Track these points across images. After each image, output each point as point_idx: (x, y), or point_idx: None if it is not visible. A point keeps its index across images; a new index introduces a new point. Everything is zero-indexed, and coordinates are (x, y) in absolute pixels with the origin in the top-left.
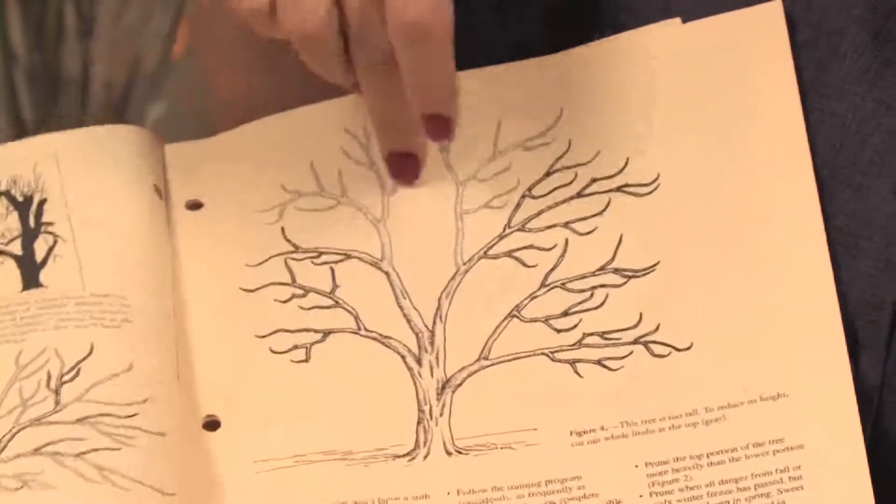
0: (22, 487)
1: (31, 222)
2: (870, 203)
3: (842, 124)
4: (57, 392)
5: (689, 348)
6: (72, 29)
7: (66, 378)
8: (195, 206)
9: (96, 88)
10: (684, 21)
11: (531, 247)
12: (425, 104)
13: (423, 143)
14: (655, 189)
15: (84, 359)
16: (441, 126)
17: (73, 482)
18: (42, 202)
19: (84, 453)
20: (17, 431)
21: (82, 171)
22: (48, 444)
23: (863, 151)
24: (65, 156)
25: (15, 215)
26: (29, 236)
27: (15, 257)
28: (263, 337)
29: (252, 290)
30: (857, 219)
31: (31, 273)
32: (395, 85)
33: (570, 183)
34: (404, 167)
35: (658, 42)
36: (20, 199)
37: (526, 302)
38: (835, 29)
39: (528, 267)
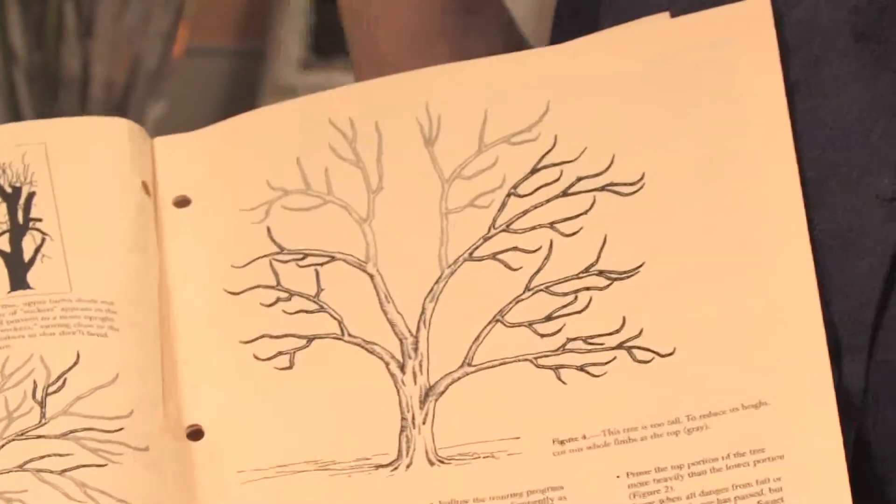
0: None
1: (20, 217)
2: (856, 206)
3: (830, 125)
4: (42, 404)
5: (671, 354)
6: (72, 29)
7: (51, 389)
8: (183, 202)
9: (96, 88)
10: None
11: (516, 249)
12: None
13: None
14: (641, 189)
15: (70, 369)
16: None
17: (57, 502)
18: (31, 196)
19: (68, 470)
20: (3, 446)
21: (72, 164)
22: (32, 459)
23: (851, 153)
24: (54, 146)
25: (3, 207)
26: (17, 232)
27: (3, 255)
28: (248, 343)
29: (237, 293)
30: (844, 222)
31: (18, 273)
32: None
33: (556, 181)
34: None
35: (646, 37)
36: (8, 189)
37: (510, 306)
38: (825, 28)
39: (513, 270)
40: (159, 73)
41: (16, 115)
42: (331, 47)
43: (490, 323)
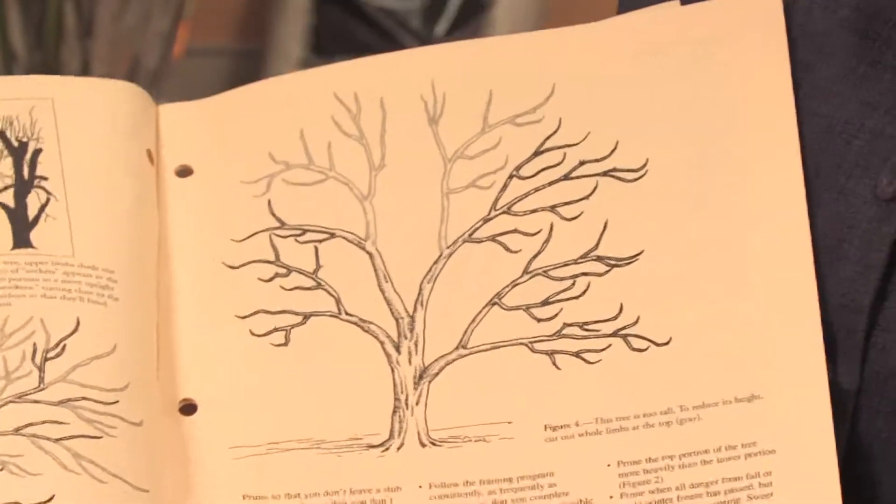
0: (2, 470)
1: (26, 173)
2: (851, 206)
3: (826, 125)
4: (41, 368)
5: (667, 343)
6: (72, 29)
7: (50, 354)
8: (185, 172)
9: None
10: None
11: (516, 231)
12: None
13: None
14: (643, 176)
15: (69, 335)
16: None
17: (52, 470)
18: (37, 152)
19: (64, 439)
20: (1, 407)
21: (78, 123)
22: (30, 424)
23: (847, 153)
24: (61, 103)
25: (9, 161)
26: (22, 188)
27: (7, 210)
28: (244, 318)
29: (235, 267)
30: (839, 221)
31: (22, 231)
32: None
33: (559, 164)
34: None
35: (655, 25)
36: (15, 143)
37: (507, 289)
38: (820, 30)
39: (512, 252)
40: (159, 73)
41: None
42: (331, 47)
43: (487, 305)
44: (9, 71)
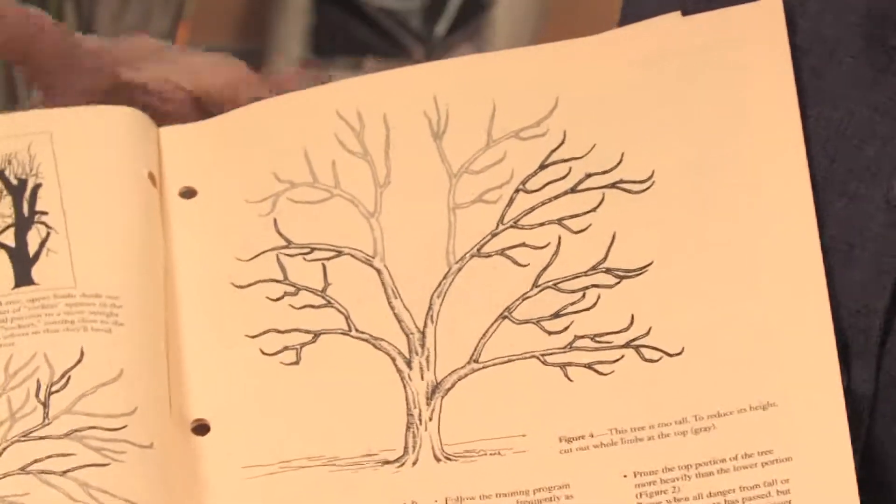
0: None
1: (25, 210)
2: (863, 211)
3: (837, 131)
4: (45, 404)
5: (679, 353)
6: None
7: (54, 388)
8: (189, 193)
9: None
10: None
11: (524, 245)
12: None
13: None
14: (650, 187)
15: (73, 366)
16: None
17: (60, 503)
18: (36, 188)
19: (71, 470)
20: (6, 448)
21: (77, 154)
22: (35, 461)
23: (857, 159)
24: (60, 136)
25: (9, 200)
26: (23, 226)
27: (8, 250)
28: (254, 337)
29: (243, 287)
30: (851, 227)
31: (23, 269)
32: None
33: (565, 177)
34: None
35: (657, 35)
36: (14, 182)
37: (518, 303)
38: (830, 35)
39: (521, 266)
40: None
41: None
42: (331, 47)
43: (497, 319)
44: (9, 71)
